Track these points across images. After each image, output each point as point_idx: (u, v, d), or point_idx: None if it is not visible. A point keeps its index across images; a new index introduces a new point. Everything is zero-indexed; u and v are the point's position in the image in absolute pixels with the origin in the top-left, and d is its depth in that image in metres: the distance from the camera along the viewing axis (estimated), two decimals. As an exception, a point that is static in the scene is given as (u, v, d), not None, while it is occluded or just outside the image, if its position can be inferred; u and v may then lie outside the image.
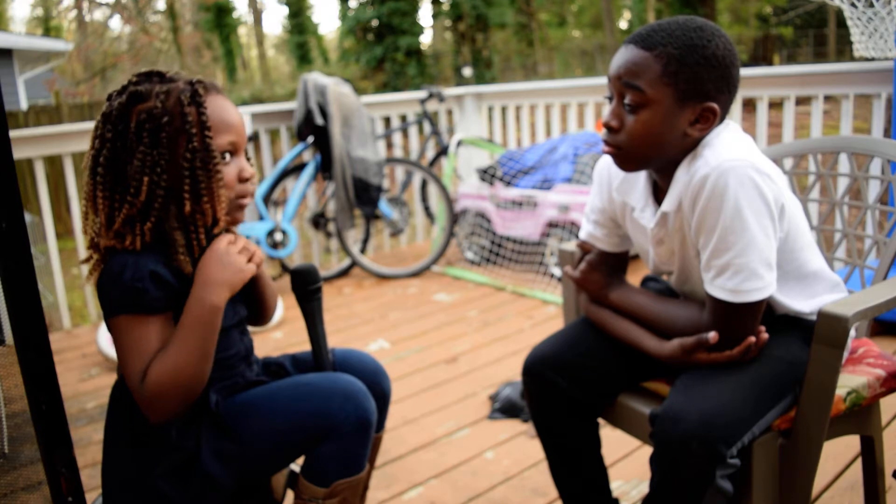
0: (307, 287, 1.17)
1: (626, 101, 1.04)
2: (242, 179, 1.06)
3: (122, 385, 1.07)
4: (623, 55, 1.04)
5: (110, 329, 0.98)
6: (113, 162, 0.99)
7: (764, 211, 0.99)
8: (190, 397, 0.98)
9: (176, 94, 1.00)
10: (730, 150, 1.01)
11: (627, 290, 1.22)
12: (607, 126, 1.07)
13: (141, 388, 0.95)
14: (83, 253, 3.50)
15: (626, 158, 1.08)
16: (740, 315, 1.02)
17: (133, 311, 0.96)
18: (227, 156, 1.04)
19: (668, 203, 1.08)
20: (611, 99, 1.07)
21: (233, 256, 1.02)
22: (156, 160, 0.98)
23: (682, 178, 1.06)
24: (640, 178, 1.16)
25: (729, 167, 0.98)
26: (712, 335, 1.03)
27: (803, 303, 1.12)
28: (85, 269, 3.27)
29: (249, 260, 1.05)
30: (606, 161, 1.23)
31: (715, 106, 1.03)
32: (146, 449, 1.01)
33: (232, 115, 1.05)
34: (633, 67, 1.02)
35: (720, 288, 1.02)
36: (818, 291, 1.14)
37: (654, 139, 1.04)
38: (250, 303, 1.16)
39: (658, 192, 1.14)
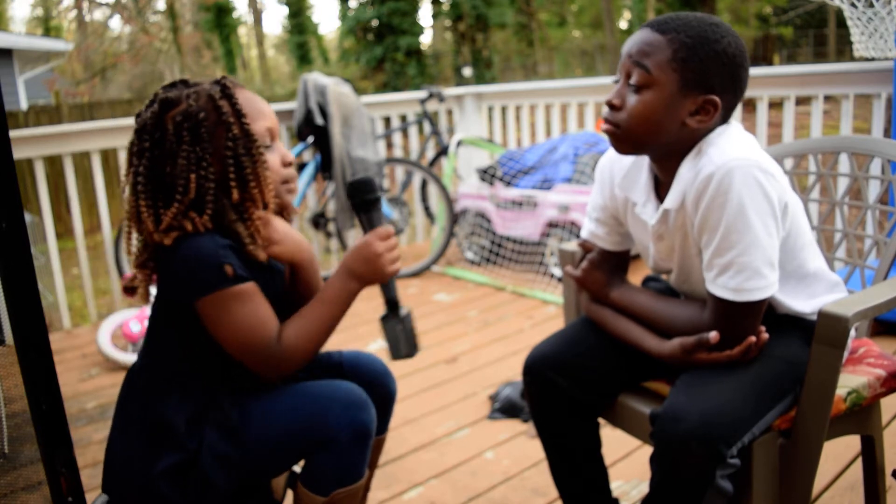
0: (364, 196, 1.13)
1: (632, 80, 1.05)
2: (285, 164, 1.09)
3: (140, 372, 1.08)
4: (638, 36, 1.07)
5: (205, 309, 0.98)
6: (153, 171, 1.01)
7: (767, 210, 0.99)
8: (312, 357, 1.06)
9: (206, 93, 1.03)
10: (735, 150, 1.02)
11: (628, 290, 1.22)
12: (609, 104, 1.08)
13: (278, 347, 1.02)
14: (83, 253, 3.46)
15: (623, 138, 1.09)
16: (742, 314, 1.02)
17: (227, 284, 0.97)
18: (267, 141, 1.06)
19: (671, 200, 1.08)
20: (618, 82, 1.09)
21: (381, 261, 1.09)
22: (200, 156, 1.00)
23: (686, 175, 1.06)
24: (642, 173, 1.16)
25: (734, 166, 0.99)
26: (713, 335, 1.03)
27: (804, 303, 1.12)
28: (85, 269, 3.28)
29: (395, 261, 1.11)
30: (608, 158, 1.23)
31: (716, 99, 1.03)
32: (153, 438, 1.02)
33: (262, 103, 1.08)
34: (645, 47, 1.04)
35: (722, 287, 1.02)
36: (818, 291, 1.13)
37: (652, 123, 1.05)
38: (298, 288, 1.16)
39: (659, 188, 1.15)
